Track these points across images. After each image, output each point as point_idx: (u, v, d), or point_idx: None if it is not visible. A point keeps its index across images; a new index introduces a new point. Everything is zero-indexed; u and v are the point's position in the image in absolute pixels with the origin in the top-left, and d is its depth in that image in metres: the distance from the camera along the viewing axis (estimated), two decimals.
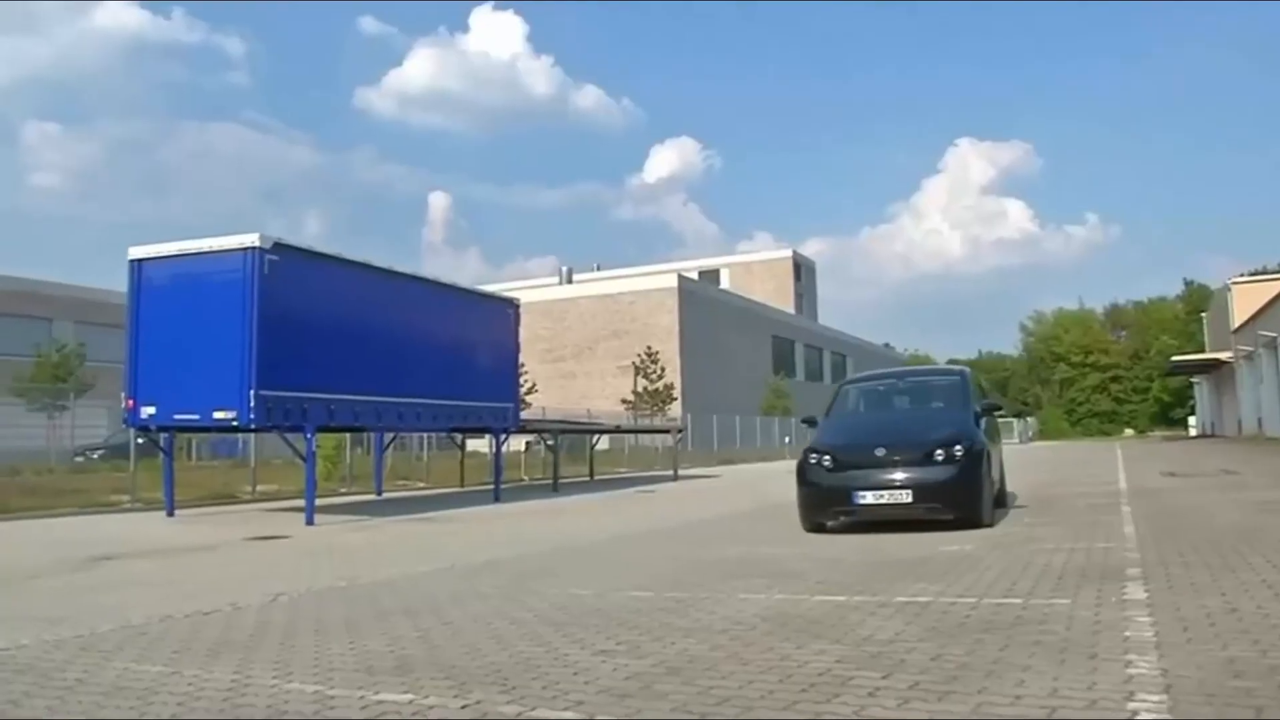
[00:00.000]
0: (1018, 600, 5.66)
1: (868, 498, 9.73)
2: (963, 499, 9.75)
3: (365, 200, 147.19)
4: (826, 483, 10.08)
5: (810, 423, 11.70)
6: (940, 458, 9.80)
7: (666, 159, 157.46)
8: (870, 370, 15.08)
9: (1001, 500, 11.98)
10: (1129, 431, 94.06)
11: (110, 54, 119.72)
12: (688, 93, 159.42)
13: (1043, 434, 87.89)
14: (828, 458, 10.18)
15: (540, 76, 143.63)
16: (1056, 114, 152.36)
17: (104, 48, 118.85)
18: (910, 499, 9.64)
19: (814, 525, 10.20)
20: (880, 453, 9.93)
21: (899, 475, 9.75)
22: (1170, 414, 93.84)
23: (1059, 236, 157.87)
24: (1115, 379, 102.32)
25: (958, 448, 9.83)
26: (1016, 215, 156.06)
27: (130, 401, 14.50)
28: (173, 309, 14.24)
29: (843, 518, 10.04)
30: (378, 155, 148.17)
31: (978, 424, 10.70)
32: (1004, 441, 16.63)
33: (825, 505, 10.09)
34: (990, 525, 9.81)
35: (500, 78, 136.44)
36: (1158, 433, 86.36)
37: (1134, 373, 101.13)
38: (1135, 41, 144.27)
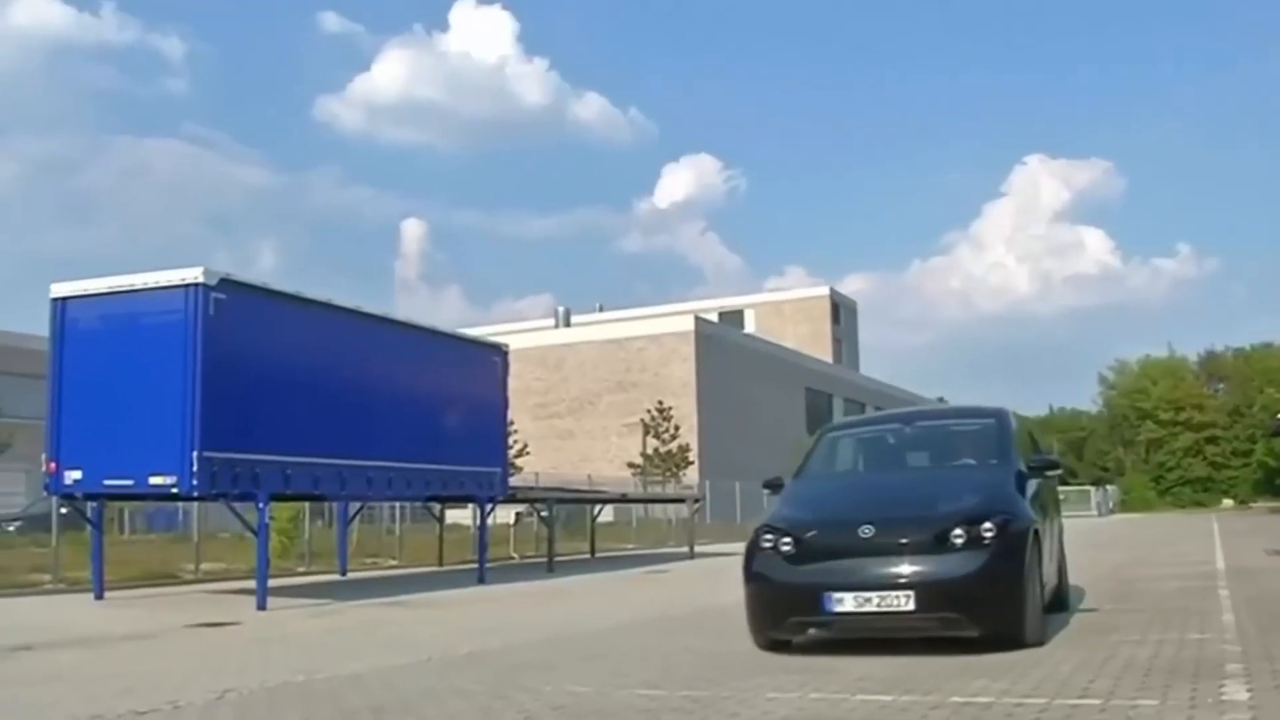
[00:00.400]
0: (1096, 701, 5.64)
1: (846, 602, 7.57)
2: (994, 605, 7.54)
3: (328, 229, 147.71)
4: (783, 578, 7.92)
5: (774, 487, 9.45)
6: (960, 540, 7.59)
7: (681, 180, 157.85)
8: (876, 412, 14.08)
9: (1061, 601, 10.05)
10: (1228, 502, 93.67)
11: (29, 57, 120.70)
12: (706, 102, 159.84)
13: (1125, 505, 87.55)
14: (787, 540, 7.96)
15: (533, 83, 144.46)
16: (1142, 127, 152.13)
17: (21, 50, 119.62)
18: (913, 604, 7.45)
19: (769, 642, 8.13)
20: (867, 532, 7.75)
21: (896, 568, 7.59)
22: (1277, 481, 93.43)
23: (1145, 271, 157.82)
24: (1212, 440, 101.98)
25: (988, 525, 7.63)
26: (1095, 246, 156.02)
27: (52, 464, 14.49)
28: (102, 356, 14.23)
29: (811, 631, 8.09)
30: (342, 176, 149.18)
31: (1022, 490, 8.57)
32: (1072, 514, 15.81)
33: (782, 612, 7.98)
34: (1039, 644, 7.76)
35: (486, 85, 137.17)
36: (1262, 503, 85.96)
37: (1234, 432, 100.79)
38: (1228, 44, 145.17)
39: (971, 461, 9.30)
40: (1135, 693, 5.82)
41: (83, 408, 14.35)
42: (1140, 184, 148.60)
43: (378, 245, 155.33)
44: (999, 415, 9.72)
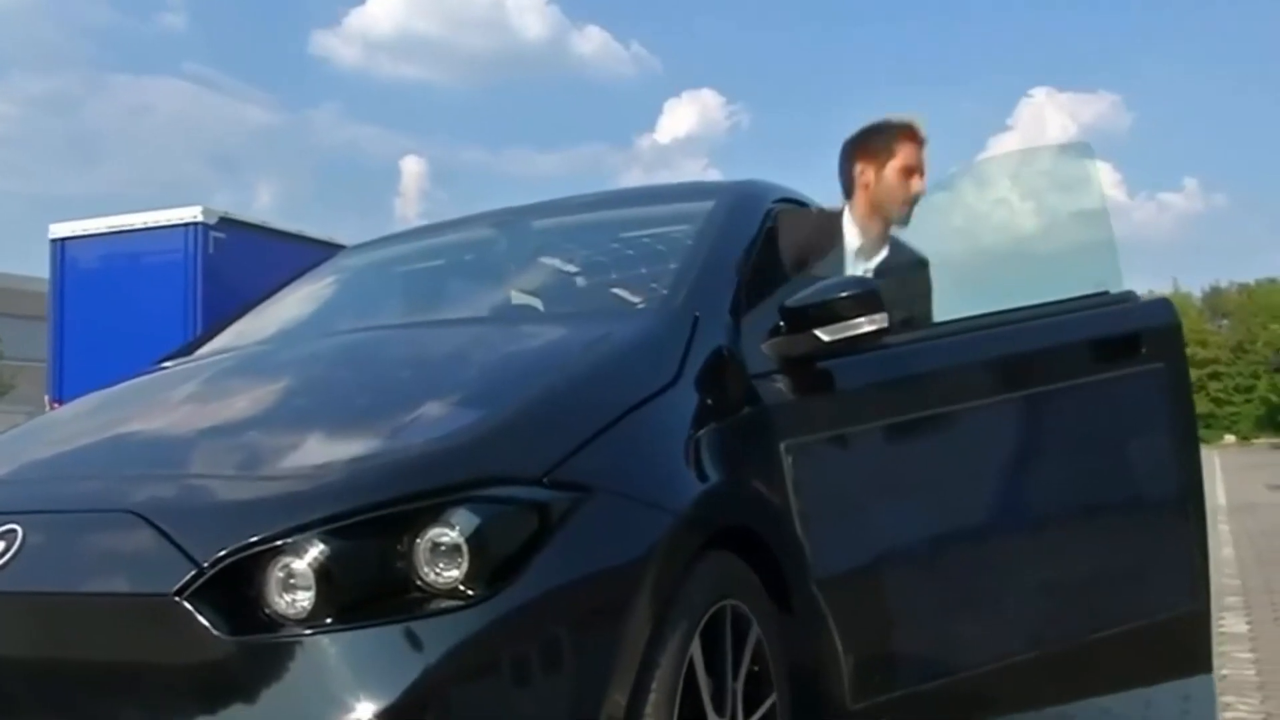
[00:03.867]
0: None
1: None
2: None
3: (328, 167, 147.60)
4: None
5: None
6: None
7: (684, 116, 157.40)
8: None
9: None
10: (1229, 437, 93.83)
11: None
12: (709, 36, 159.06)
13: None
14: None
15: (533, 16, 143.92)
16: (1150, 60, 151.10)
17: None
18: None
19: None
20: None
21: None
22: (1279, 417, 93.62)
23: (1151, 206, 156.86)
24: (1214, 375, 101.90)
25: (445, 534, 1.94)
26: (1102, 180, 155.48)
27: (55, 405, 14.51)
28: (103, 296, 14.20)
29: None
30: (342, 113, 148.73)
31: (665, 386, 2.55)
32: None
33: None
34: None
35: (484, 18, 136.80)
36: (1264, 439, 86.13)
37: (1237, 368, 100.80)
38: None
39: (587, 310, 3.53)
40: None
41: (84, 348, 14.31)
42: (1148, 118, 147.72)
43: (378, 183, 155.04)
44: (735, 194, 3.58)
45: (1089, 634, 3.18)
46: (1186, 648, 3.28)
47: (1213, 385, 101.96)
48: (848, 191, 3.71)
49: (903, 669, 3.00)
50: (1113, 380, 3.28)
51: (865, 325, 2.82)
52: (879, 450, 3.08)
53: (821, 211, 3.81)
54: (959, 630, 3.09)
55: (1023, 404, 3.30)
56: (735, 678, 2.36)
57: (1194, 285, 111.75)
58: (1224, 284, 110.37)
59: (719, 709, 2.28)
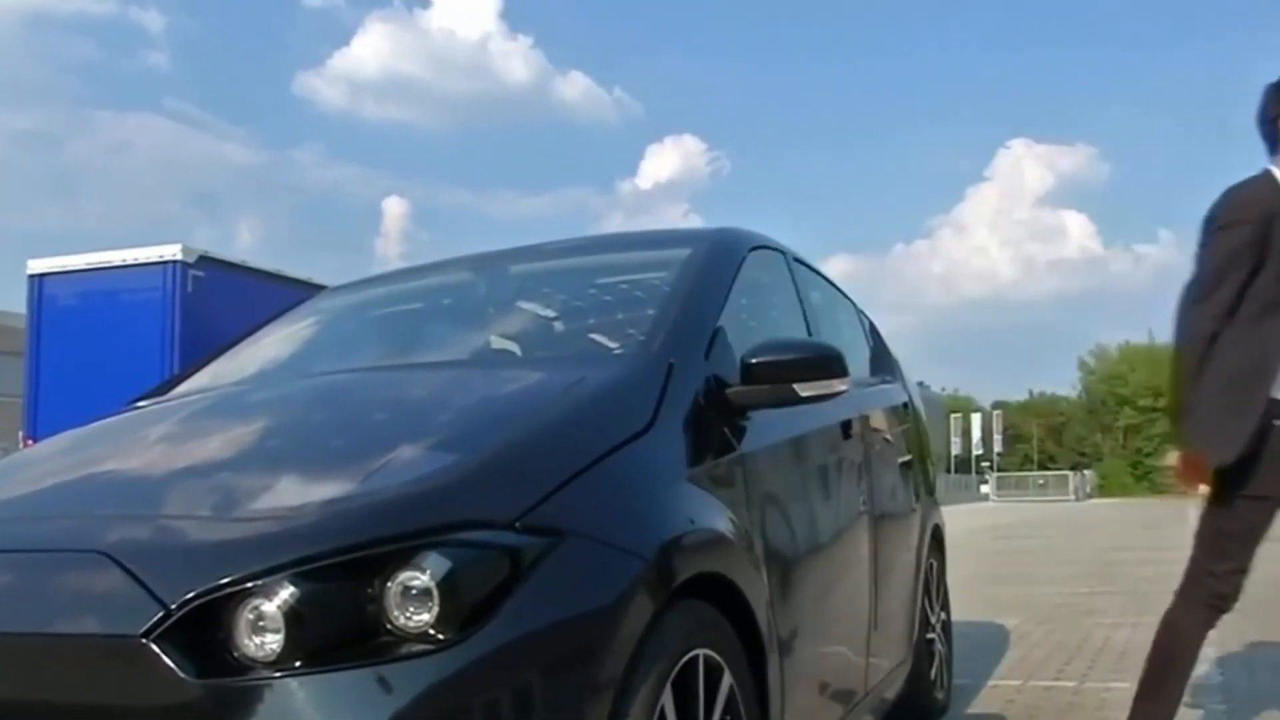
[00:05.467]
0: (1070, 683, 5.66)
1: None
2: None
3: (309, 206, 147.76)
4: None
5: None
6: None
7: (666, 161, 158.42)
8: None
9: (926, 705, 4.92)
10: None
11: (6, 27, 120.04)
12: (691, 82, 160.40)
13: (1103, 489, 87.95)
14: None
15: (517, 60, 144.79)
16: (1127, 113, 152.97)
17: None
18: None
19: None
20: None
21: None
22: None
23: (1127, 257, 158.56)
24: None
25: (416, 577, 1.93)
26: (1078, 231, 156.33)
27: (29, 441, 14.44)
28: (80, 333, 14.16)
29: None
30: (325, 153, 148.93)
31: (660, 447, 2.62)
32: (1050, 499, 14.48)
33: None
34: None
35: (469, 62, 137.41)
36: None
37: None
38: (1216, 31, 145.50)
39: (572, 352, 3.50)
40: (1110, 675, 5.84)
41: (61, 385, 14.27)
42: (1124, 170, 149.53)
43: (360, 223, 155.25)
44: (713, 242, 3.65)
45: None
46: None
47: None
48: (1274, 145, 3.63)
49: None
50: None
51: (838, 385, 2.99)
52: (830, 491, 3.57)
53: (1253, 179, 3.65)
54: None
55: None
56: None
57: (1169, 336, 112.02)
58: None
59: None
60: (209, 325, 13.84)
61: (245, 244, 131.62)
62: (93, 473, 2.63)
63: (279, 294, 15.61)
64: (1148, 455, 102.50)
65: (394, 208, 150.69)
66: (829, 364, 2.98)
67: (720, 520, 2.61)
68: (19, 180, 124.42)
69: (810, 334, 3.90)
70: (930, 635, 4.92)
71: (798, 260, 4.16)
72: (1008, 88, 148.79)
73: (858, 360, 4.43)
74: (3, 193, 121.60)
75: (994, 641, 7.20)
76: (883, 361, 5.23)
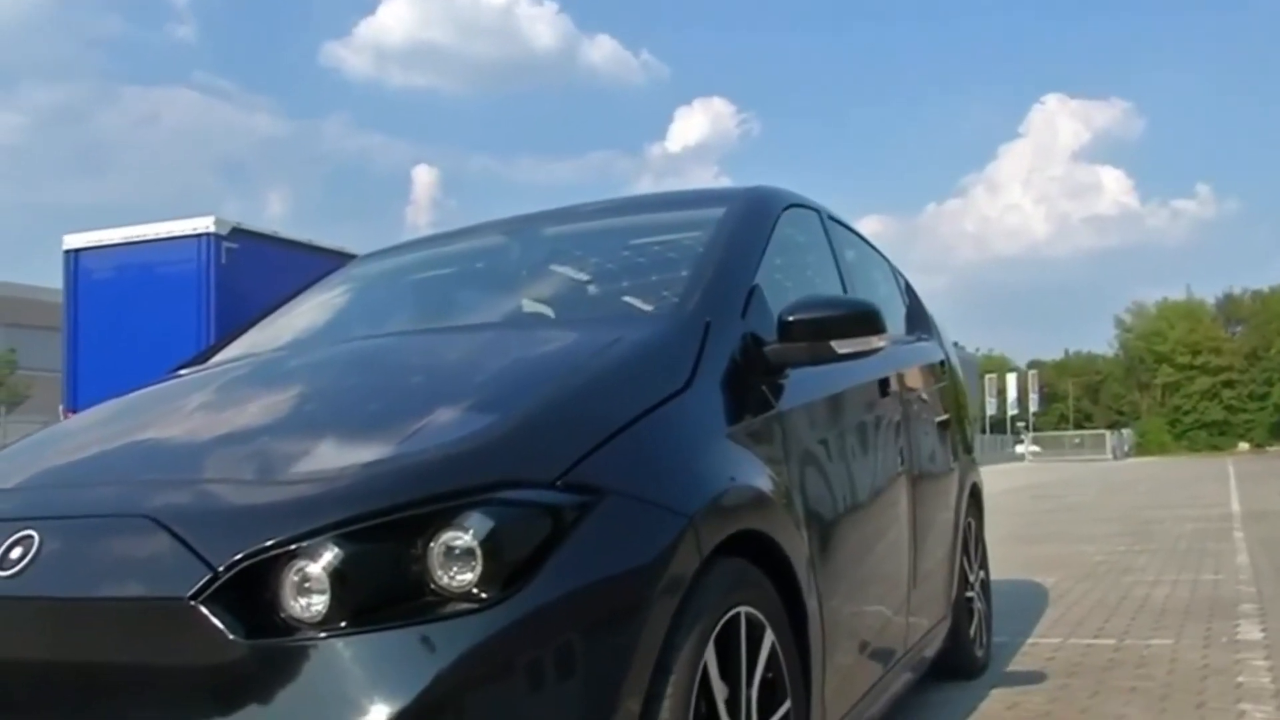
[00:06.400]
0: (1110, 641, 5.65)
1: None
2: None
3: (338, 176, 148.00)
4: None
5: None
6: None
7: (694, 124, 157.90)
8: None
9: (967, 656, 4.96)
10: (1244, 445, 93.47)
11: (35, 3, 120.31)
12: (719, 44, 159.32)
13: (1141, 448, 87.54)
14: None
15: (543, 26, 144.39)
16: (1162, 66, 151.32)
17: None
18: None
19: None
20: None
21: None
22: None
23: (1164, 213, 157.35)
24: (1229, 383, 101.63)
25: (459, 537, 1.94)
26: (1113, 187, 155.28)
27: (69, 414, 14.58)
28: (117, 306, 14.28)
29: None
30: (352, 122, 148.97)
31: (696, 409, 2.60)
32: (1088, 458, 14.17)
33: None
34: None
35: (495, 28, 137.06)
36: (1278, 446, 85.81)
37: (1250, 375, 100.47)
38: None
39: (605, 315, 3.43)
40: (1150, 633, 5.83)
41: (99, 358, 14.38)
42: (1160, 124, 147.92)
43: (389, 192, 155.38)
44: (747, 200, 3.61)
45: None
46: None
47: (1226, 393, 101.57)
48: None
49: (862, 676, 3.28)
50: None
51: (876, 342, 2.98)
52: (869, 448, 3.54)
53: None
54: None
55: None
56: (749, 685, 2.33)
57: (1207, 292, 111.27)
58: (1238, 290, 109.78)
59: (733, 716, 2.26)
60: (243, 296, 13.91)
61: (275, 214, 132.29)
62: (136, 440, 2.64)
63: (312, 264, 15.66)
64: (1186, 413, 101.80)
65: (423, 175, 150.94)
66: (866, 320, 2.95)
67: (760, 478, 2.59)
68: (50, 156, 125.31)
69: (846, 292, 3.90)
70: (969, 593, 4.93)
71: (832, 218, 4.13)
72: (1041, 44, 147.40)
73: (894, 318, 4.43)
74: (34, 168, 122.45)
75: (1033, 600, 7.19)
76: (919, 319, 5.21)
